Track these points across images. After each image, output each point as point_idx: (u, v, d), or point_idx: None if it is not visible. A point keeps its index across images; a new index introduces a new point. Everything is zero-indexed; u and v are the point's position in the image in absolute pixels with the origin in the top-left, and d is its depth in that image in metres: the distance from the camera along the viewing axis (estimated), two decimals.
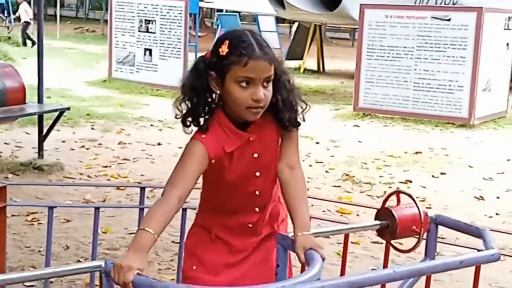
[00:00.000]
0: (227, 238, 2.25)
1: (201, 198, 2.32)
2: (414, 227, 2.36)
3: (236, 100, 2.07)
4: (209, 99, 2.14)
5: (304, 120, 2.24)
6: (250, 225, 2.25)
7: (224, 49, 2.06)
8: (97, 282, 3.43)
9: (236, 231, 2.25)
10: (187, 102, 2.15)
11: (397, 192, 2.46)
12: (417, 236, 2.38)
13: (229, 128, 2.13)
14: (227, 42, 2.07)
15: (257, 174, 2.21)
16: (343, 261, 2.99)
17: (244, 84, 2.05)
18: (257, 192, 2.23)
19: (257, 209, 2.24)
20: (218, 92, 2.11)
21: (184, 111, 2.16)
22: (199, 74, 2.13)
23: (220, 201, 2.26)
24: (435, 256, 2.47)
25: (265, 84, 2.07)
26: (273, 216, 2.31)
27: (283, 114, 2.16)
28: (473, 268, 2.76)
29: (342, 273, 2.94)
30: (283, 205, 2.29)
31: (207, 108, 2.15)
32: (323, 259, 1.95)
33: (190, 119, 2.16)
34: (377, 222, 2.41)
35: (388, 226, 2.38)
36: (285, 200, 2.21)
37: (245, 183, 2.21)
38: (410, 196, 2.40)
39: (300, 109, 2.22)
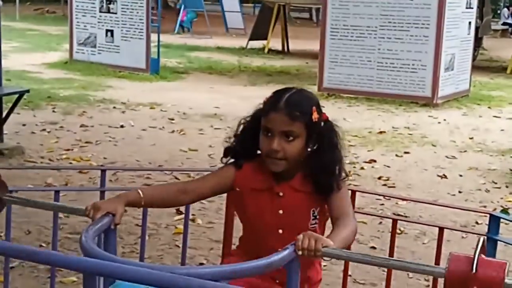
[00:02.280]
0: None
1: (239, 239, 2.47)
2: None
3: (260, 148, 2.23)
4: (253, 143, 2.26)
5: (339, 188, 2.21)
6: (277, 281, 2.24)
7: (265, 100, 2.25)
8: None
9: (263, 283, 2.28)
10: (238, 138, 2.31)
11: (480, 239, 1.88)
12: None
13: (265, 170, 2.24)
14: (271, 94, 2.24)
15: (280, 231, 2.24)
16: None
17: (266, 133, 2.19)
18: (279, 250, 2.20)
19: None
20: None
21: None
22: (253, 117, 2.28)
23: (248, 244, 2.35)
24: None
25: (286, 138, 2.17)
26: (305, 278, 2.25)
27: (317, 177, 2.21)
28: (435, 246, 2.78)
29: None
30: (319, 268, 2.37)
31: (249, 150, 2.28)
32: (297, 250, 1.84)
33: (233, 154, 2.32)
34: (438, 267, 1.91)
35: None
36: None
37: (267, 234, 2.25)
38: (475, 249, 1.84)
39: (338, 174, 2.22)
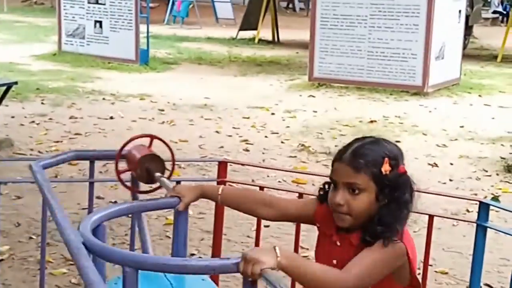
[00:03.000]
0: None
1: None
2: None
3: (328, 200, 2.08)
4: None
5: (386, 245, 1.93)
6: (334, 261, 2.07)
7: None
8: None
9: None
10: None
11: None
12: None
13: (332, 216, 2.08)
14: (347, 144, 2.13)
15: None
16: None
17: (334, 185, 2.03)
18: None
19: None
20: None
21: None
22: None
23: None
24: None
25: (352, 191, 1.98)
26: None
27: (368, 225, 1.98)
28: (425, 233, 2.77)
29: None
30: None
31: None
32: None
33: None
34: None
35: None
36: None
37: None
38: None
39: (391, 231, 1.96)
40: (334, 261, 2.04)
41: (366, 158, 1.99)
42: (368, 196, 1.97)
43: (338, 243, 2.06)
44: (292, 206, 2.24)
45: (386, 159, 1.99)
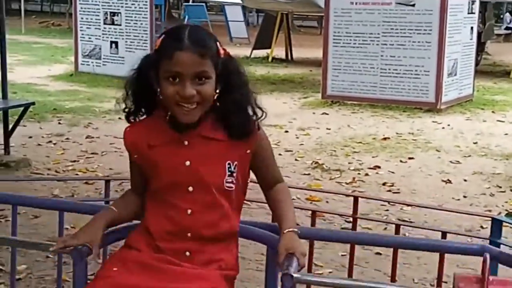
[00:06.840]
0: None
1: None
2: None
3: (165, 97, 1.94)
4: (149, 100, 2.03)
5: (259, 129, 2.04)
6: (187, 253, 1.98)
7: (157, 43, 1.97)
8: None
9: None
10: (129, 101, 2.07)
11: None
12: None
13: (161, 124, 2.01)
14: (163, 36, 1.98)
15: (190, 188, 1.98)
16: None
17: (171, 79, 1.92)
18: (188, 211, 1.99)
19: (189, 234, 1.99)
20: (158, 90, 1.97)
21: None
22: (140, 72, 2.02)
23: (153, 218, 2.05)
24: None
25: (199, 80, 1.93)
26: (214, 258, 1.99)
27: (231, 119, 1.99)
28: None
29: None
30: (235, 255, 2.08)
31: (146, 109, 2.07)
32: (301, 267, 1.89)
33: (131, 118, 2.12)
34: None
35: None
36: (271, 209, 2.20)
37: (176, 196, 2.00)
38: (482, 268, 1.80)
39: (253, 114, 2.03)
40: (187, 163, 1.97)
41: (207, 43, 1.95)
42: (212, 83, 1.95)
43: (186, 143, 1.98)
44: (134, 172, 2.10)
45: (218, 42, 2.01)
